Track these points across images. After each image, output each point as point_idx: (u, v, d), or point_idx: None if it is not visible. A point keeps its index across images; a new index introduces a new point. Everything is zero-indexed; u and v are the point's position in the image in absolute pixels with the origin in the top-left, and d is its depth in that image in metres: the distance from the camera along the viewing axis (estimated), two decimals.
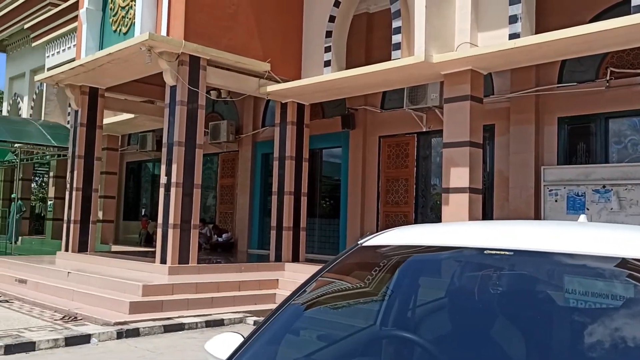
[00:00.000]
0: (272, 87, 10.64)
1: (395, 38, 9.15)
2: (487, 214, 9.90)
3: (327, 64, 10.60)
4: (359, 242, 2.85)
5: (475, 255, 2.01)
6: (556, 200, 9.15)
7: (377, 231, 11.21)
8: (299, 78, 10.97)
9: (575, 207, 8.93)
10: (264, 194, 14.15)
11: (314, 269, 9.48)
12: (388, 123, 11.68)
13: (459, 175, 8.36)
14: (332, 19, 10.57)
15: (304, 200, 11.39)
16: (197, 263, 9.84)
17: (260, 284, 9.61)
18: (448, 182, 8.50)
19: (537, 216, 9.30)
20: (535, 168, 9.42)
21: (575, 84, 9.27)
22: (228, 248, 14.02)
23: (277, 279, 9.93)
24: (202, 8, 9.79)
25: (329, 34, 10.61)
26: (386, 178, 11.77)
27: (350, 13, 10.82)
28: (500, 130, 10.06)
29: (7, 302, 8.91)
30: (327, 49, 10.62)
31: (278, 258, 11.06)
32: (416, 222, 11.27)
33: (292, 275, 10.02)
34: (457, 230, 2.36)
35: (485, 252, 1.95)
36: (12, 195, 18.97)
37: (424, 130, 11.04)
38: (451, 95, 8.56)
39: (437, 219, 10.86)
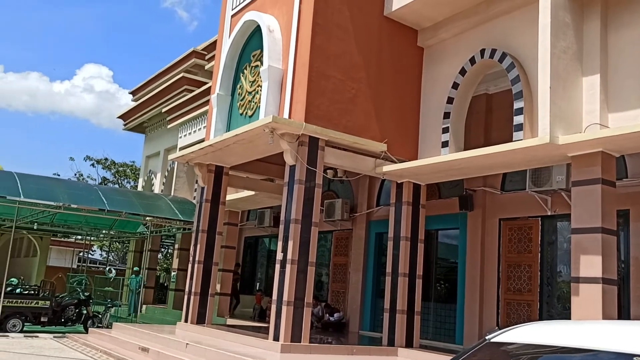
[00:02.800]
0: (389, 167, 10.70)
1: (517, 119, 8.93)
2: (622, 308, 8.99)
3: (445, 144, 10.53)
4: (486, 337, 2.66)
5: None
6: None
7: (497, 320, 10.55)
8: (416, 158, 10.97)
9: None
10: (377, 273, 13.94)
11: (429, 356, 9.01)
12: (509, 205, 11.22)
13: (590, 264, 7.72)
14: (450, 100, 10.58)
15: (419, 283, 11.05)
16: (309, 342, 9.76)
17: None
18: (578, 270, 7.86)
19: None
20: None
21: None
22: (339, 328, 13.82)
23: None
24: (323, 93, 10.23)
25: (447, 115, 10.60)
26: (507, 263, 11.16)
27: (469, 94, 10.78)
28: (636, 216, 9.27)
29: None
30: (445, 130, 10.57)
31: (391, 342, 10.69)
32: (541, 312, 10.46)
33: None
34: (594, 330, 2.15)
35: (634, 358, 1.77)
36: (135, 269, 20.26)
37: (549, 214, 10.45)
38: (580, 178, 8.08)
39: (565, 309, 10.04)
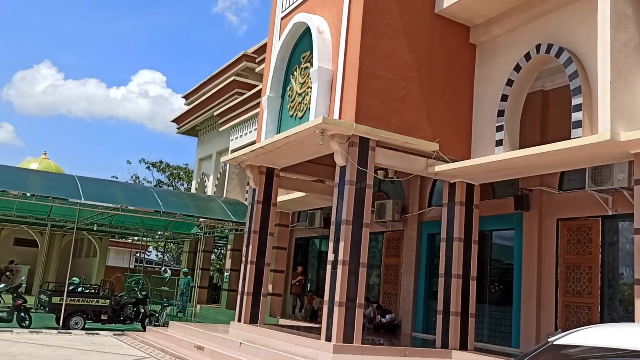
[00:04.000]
0: (441, 167, 10.53)
1: (576, 115, 8.63)
2: None
3: (499, 143, 10.28)
4: (549, 339, 2.59)
5: None
6: None
7: (555, 323, 10.19)
8: (469, 158, 10.76)
9: None
10: (429, 275, 13.75)
11: (484, 359, 8.76)
12: (567, 205, 10.85)
13: None
14: (504, 97, 10.33)
15: (472, 284, 10.84)
16: (361, 343, 9.72)
17: None
18: None
19: None
20: None
21: None
22: (391, 329, 13.71)
23: None
24: (373, 93, 10.17)
25: (501, 112, 10.35)
26: (566, 265, 10.80)
27: (524, 91, 10.49)
28: None
29: None
30: (499, 128, 10.33)
31: (444, 344, 10.52)
32: (602, 315, 10.07)
33: None
34: None
35: None
36: (184, 270, 20.68)
37: (610, 213, 10.05)
38: None
39: (627, 313, 9.63)
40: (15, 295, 14.58)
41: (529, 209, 11.38)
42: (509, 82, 10.30)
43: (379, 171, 12.55)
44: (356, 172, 9.95)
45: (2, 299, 14.90)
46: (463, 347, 10.47)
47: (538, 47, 9.73)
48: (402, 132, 10.31)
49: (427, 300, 13.60)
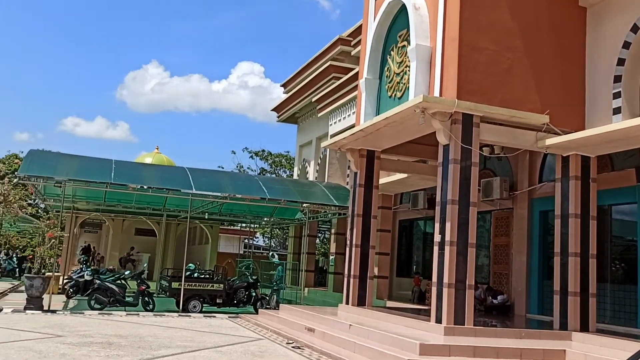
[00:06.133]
0: (552, 140, 9.97)
1: None
2: None
3: (617, 111, 9.56)
4: None
5: None
6: None
7: None
8: (582, 128, 10.10)
9: None
10: (543, 254, 13.12)
11: (609, 341, 8.29)
12: None
13: None
14: (620, 61, 9.56)
15: (592, 263, 10.21)
16: (473, 325, 9.49)
17: (545, 354, 8.75)
18: None
19: None
20: None
21: None
22: (503, 311, 13.26)
23: (564, 350, 8.92)
24: (476, 67, 9.80)
25: (617, 78, 9.60)
26: None
27: None
28: None
29: (299, 348, 9.76)
30: (617, 95, 9.59)
31: (563, 326, 10.02)
32: None
33: (583, 348, 8.92)
34: None
35: None
36: (274, 261, 21.04)
37: None
38: None
39: None
40: (139, 281, 15.69)
41: None
42: (626, 45, 9.51)
43: (484, 148, 12.10)
44: (460, 150, 9.67)
45: (128, 284, 16.08)
46: (584, 328, 9.92)
47: None
48: (508, 105, 9.87)
49: (542, 280, 13.00)
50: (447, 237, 9.55)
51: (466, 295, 9.46)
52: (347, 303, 12.81)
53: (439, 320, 9.45)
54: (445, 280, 9.44)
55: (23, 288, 15.38)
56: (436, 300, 9.60)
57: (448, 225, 9.58)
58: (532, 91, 10.14)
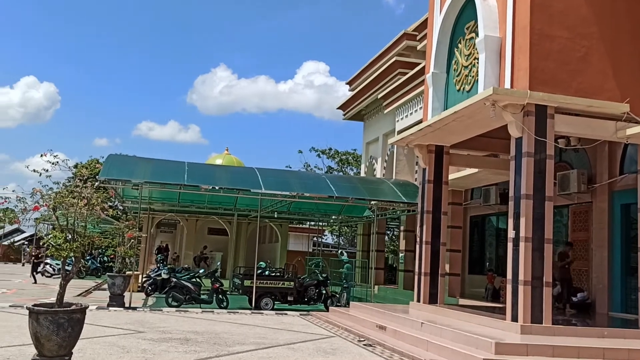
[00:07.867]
0: (633, 130, 9.46)
1: None
2: None
3: None
4: None
5: None
6: None
7: None
8: None
9: None
10: (625, 250, 12.46)
11: None
12: None
13: None
14: None
15: None
16: (551, 323, 9.15)
17: (630, 354, 8.31)
18: None
19: None
20: None
21: None
22: (583, 309, 12.71)
23: None
24: (548, 56, 9.44)
25: None
26: None
27: None
28: None
29: (371, 346, 9.74)
30: None
31: None
32: None
33: None
34: None
35: None
36: (343, 259, 21.04)
37: None
38: None
39: None
40: (213, 279, 16.14)
41: None
42: None
43: (559, 140, 11.63)
44: (534, 142, 9.35)
45: (203, 282, 16.58)
46: None
47: None
48: (584, 95, 9.46)
49: (625, 277, 12.35)
50: (522, 233, 9.27)
51: (543, 292, 9.14)
52: (418, 301, 12.67)
53: (514, 319, 9.18)
54: (521, 277, 9.16)
55: (106, 286, 16.16)
56: (511, 298, 9.34)
57: (522, 220, 9.29)
58: (609, 79, 9.66)
